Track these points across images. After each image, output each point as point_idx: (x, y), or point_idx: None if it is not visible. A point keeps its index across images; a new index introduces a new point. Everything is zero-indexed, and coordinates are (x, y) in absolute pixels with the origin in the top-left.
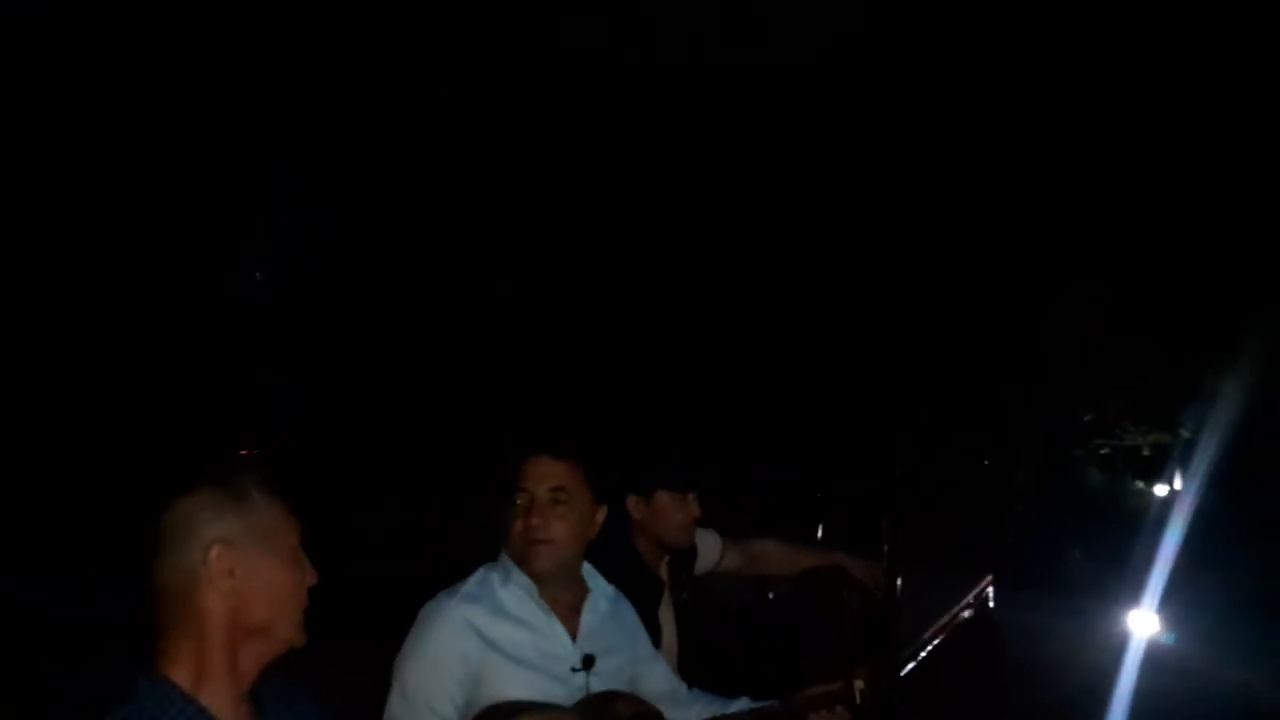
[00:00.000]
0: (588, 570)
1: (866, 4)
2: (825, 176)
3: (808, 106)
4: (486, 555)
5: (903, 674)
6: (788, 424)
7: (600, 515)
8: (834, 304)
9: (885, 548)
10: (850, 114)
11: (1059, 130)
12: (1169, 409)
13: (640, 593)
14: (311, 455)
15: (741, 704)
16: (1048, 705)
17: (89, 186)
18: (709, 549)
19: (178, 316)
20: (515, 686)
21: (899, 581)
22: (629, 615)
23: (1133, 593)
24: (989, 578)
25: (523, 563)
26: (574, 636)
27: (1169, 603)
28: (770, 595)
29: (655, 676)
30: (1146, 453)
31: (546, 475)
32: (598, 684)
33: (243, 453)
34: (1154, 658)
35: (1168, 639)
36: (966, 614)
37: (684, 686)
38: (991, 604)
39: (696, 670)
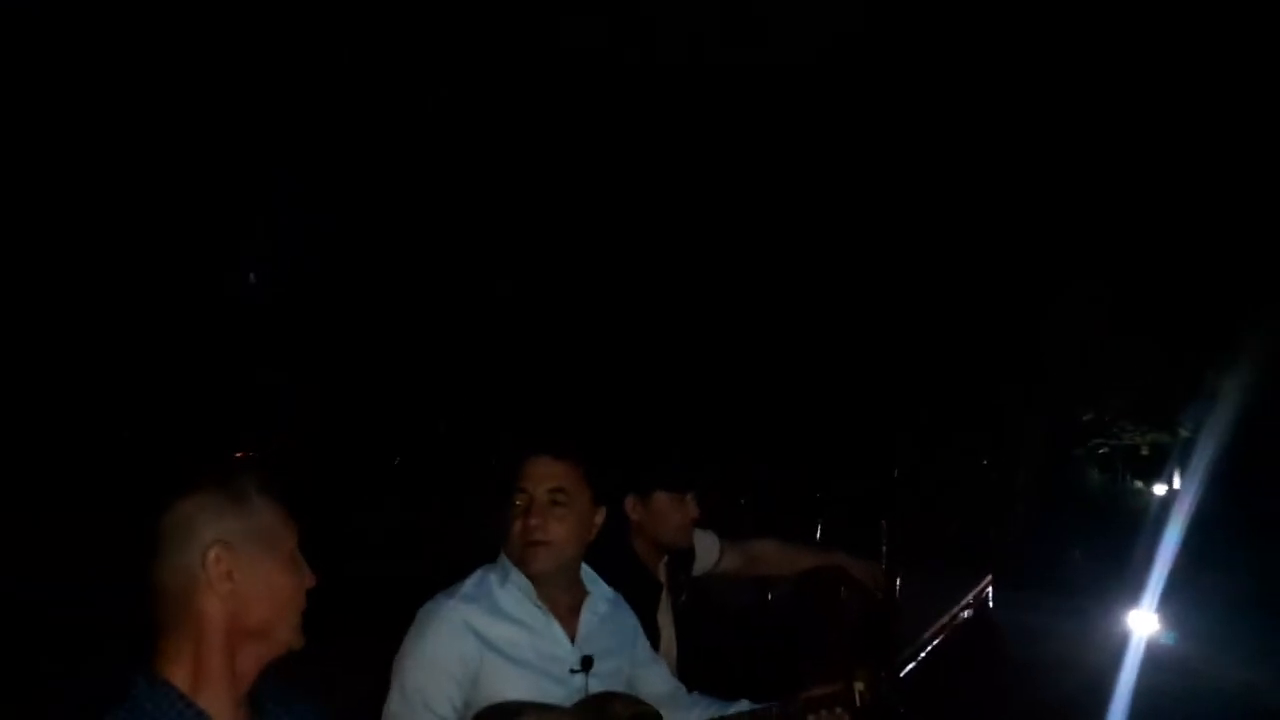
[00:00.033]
0: (587, 573)
1: (866, 4)
2: (825, 177)
3: (807, 107)
4: (486, 555)
5: (903, 674)
6: (787, 424)
7: (600, 517)
8: (833, 304)
9: (885, 548)
10: (850, 114)
11: (1058, 130)
12: (1168, 409)
13: (638, 594)
14: (311, 455)
15: (741, 706)
16: (1048, 705)
17: (90, 188)
18: (707, 550)
19: (178, 317)
20: (513, 687)
21: (899, 582)
22: (628, 618)
23: (1132, 592)
24: (989, 578)
25: (521, 563)
26: (572, 638)
27: (1169, 602)
28: (769, 596)
29: (654, 679)
30: (1146, 452)
31: (546, 476)
32: (596, 685)
33: (241, 454)
34: (1154, 658)
35: (1168, 639)
36: (966, 614)
37: (683, 689)
38: (991, 604)
39: (695, 671)
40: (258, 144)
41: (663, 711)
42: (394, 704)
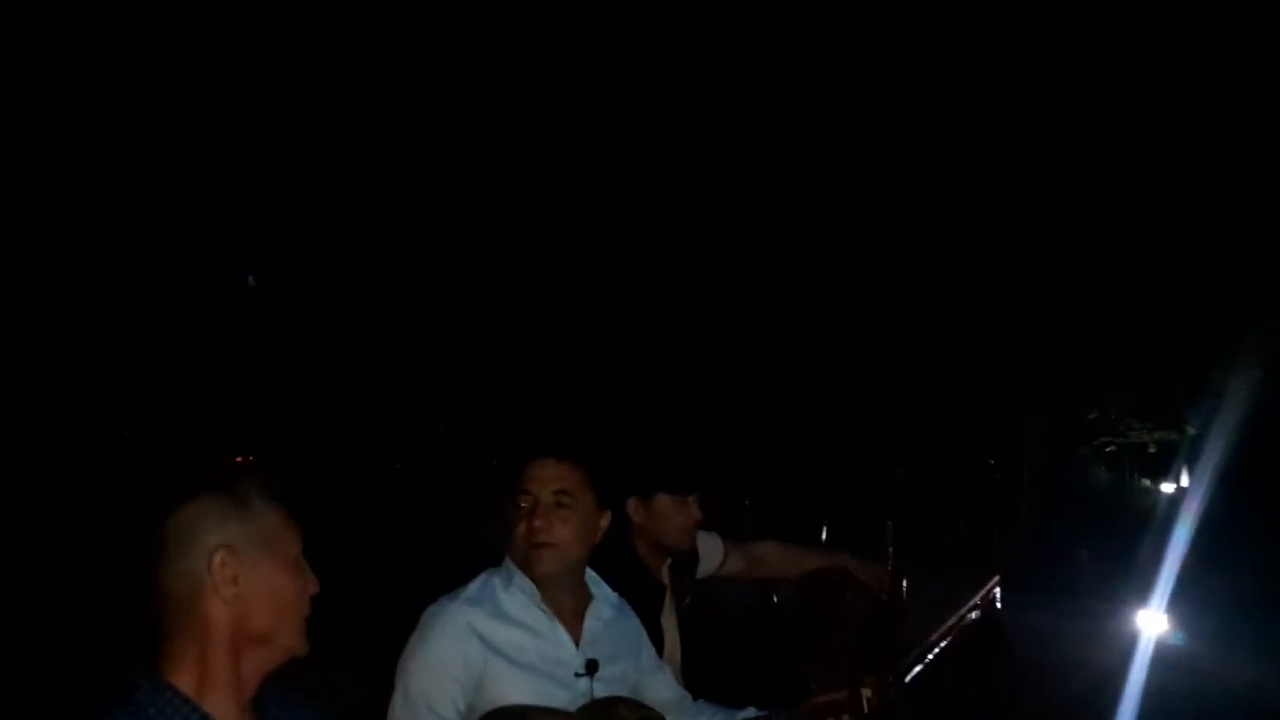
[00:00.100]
0: (591, 577)
1: (866, 4)
2: (825, 177)
3: (807, 107)
4: (487, 556)
5: (909, 677)
6: (789, 425)
7: (604, 520)
8: (834, 305)
9: (889, 549)
10: (850, 115)
11: (1058, 131)
12: (1173, 406)
13: (642, 597)
14: (311, 456)
15: (747, 714)
16: (1057, 706)
17: (90, 189)
18: (711, 552)
19: (178, 318)
20: (517, 690)
21: (904, 583)
22: (633, 624)
23: (1140, 592)
24: (996, 578)
25: (526, 566)
26: (577, 642)
27: (1178, 602)
28: (773, 598)
29: (660, 686)
30: (1153, 450)
31: (550, 478)
32: (601, 690)
33: (242, 456)
34: (1163, 658)
35: (1177, 639)
36: (973, 616)
37: (689, 697)
38: (999, 605)
39: (700, 674)
40: (258, 145)
41: (669, 718)
42: (397, 707)
